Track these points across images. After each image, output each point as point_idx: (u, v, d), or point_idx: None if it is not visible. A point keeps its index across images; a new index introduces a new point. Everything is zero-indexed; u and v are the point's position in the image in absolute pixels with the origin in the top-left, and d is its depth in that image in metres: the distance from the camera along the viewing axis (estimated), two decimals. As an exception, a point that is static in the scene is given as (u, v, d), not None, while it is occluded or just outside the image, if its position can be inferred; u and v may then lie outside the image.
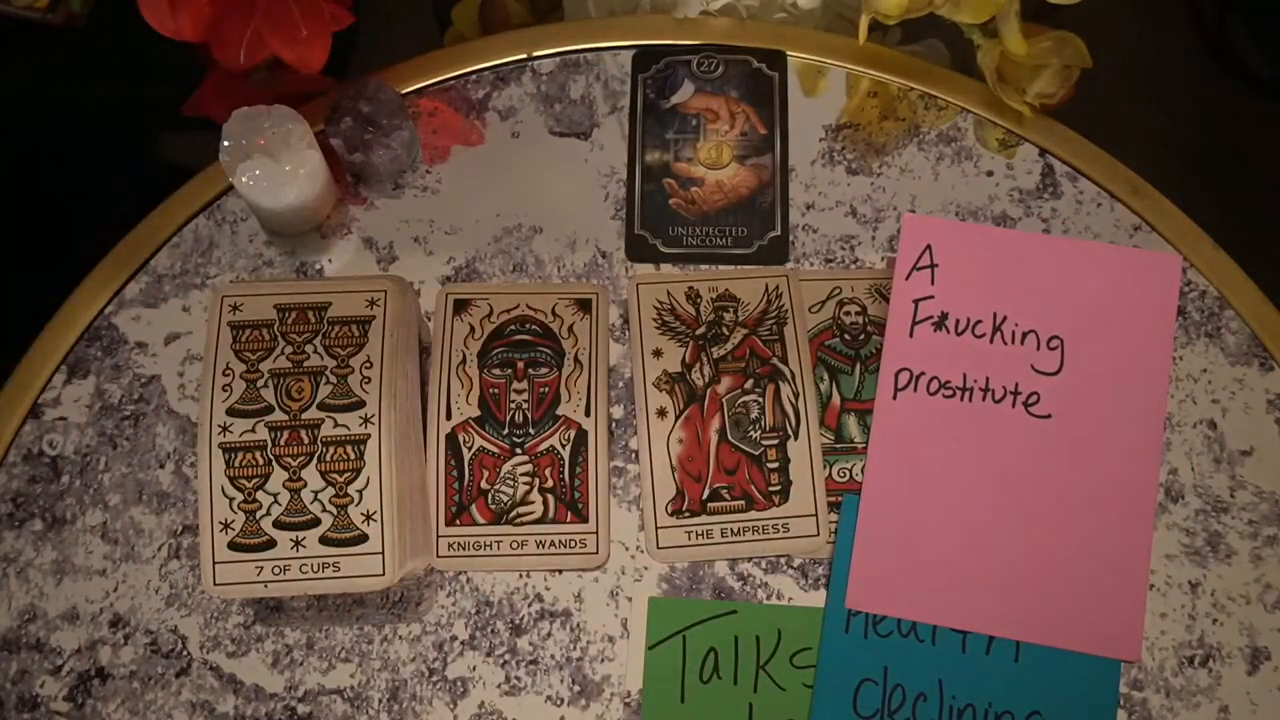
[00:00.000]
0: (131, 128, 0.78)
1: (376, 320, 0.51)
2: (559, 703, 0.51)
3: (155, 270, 0.57)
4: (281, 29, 0.57)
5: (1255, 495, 0.54)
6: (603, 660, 0.52)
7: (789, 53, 0.60)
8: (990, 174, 0.58)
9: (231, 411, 0.50)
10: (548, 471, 0.53)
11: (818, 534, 0.53)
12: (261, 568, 0.49)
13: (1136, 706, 0.51)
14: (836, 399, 0.55)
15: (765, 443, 0.54)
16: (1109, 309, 0.55)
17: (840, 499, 0.53)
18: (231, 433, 0.50)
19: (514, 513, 0.53)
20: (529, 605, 0.53)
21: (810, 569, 0.53)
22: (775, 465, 0.53)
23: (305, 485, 0.49)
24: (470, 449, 0.53)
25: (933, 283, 0.55)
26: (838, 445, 0.54)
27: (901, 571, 0.52)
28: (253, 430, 0.50)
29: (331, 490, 0.49)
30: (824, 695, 0.51)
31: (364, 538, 0.49)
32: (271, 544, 0.49)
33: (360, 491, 0.49)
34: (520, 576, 0.53)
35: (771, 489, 0.53)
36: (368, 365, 0.50)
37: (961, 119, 0.59)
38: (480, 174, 0.58)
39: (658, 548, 0.53)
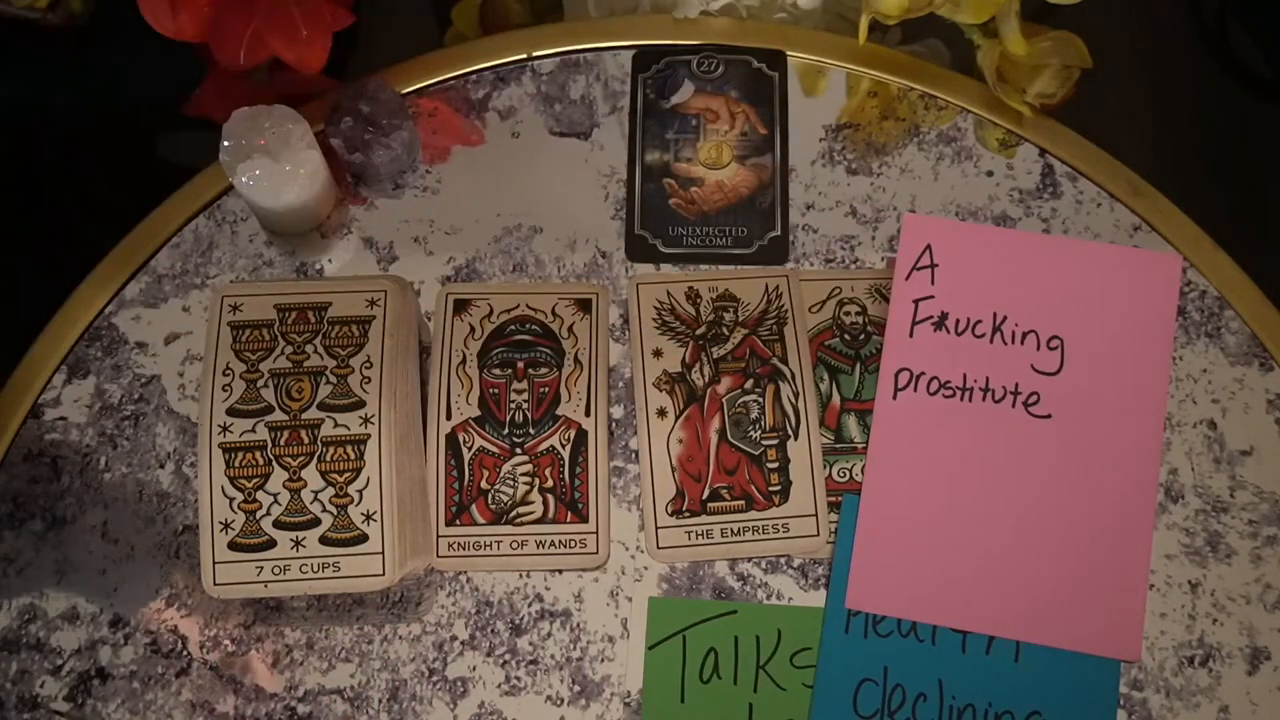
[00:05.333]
0: (131, 128, 0.78)
1: (376, 320, 0.51)
2: (559, 703, 0.51)
3: (155, 270, 0.57)
4: (281, 29, 0.57)
5: (1255, 495, 0.54)
6: (603, 660, 0.52)
7: (789, 53, 0.60)
8: (990, 174, 0.58)
9: (231, 411, 0.50)
10: (548, 471, 0.53)
11: (818, 534, 0.53)
12: (261, 568, 0.49)
13: (1136, 706, 0.51)
14: (836, 399, 0.55)
15: (765, 443, 0.54)
16: (1109, 309, 0.55)
17: (840, 499, 0.53)
18: (231, 433, 0.50)
19: (514, 513, 0.53)
20: (529, 605, 0.53)
21: (810, 569, 0.53)
22: (775, 465, 0.53)
23: (305, 485, 0.49)
24: (470, 449, 0.53)
25: (933, 283, 0.55)
26: (838, 445, 0.54)
27: (901, 571, 0.52)
28: (253, 430, 0.50)
29: (331, 490, 0.49)
30: (824, 695, 0.51)
31: (364, 538, 0.49)
32: (271, 544, 0.49)
33: (360, 491, 0.49)
34: (520, 576, 0.53)
35: (771, 489, 0.53)
36: (368, 365, 0.50)
37: (961, 119, 0.59)
38: (480, 174, 0.58)
39: (658, 548, 0.53)
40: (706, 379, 0.54)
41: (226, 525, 0.49)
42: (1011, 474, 0.53)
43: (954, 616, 0.52)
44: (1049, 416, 0.54)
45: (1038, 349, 0.54)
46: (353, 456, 0.50)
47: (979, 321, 0.55)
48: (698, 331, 0.55)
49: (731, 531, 0.53)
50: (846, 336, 0.56)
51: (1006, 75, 0.59)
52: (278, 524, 0.49)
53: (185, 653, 0.52)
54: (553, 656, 0.52)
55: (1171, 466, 0.54)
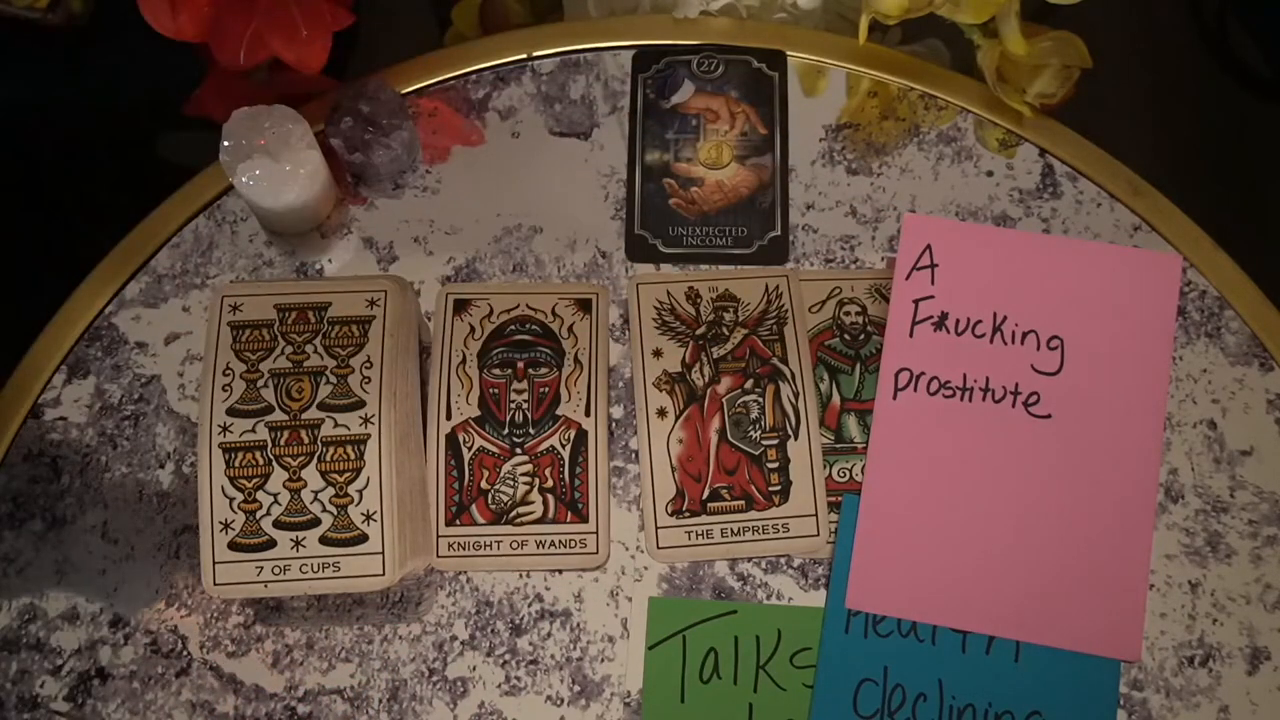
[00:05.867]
0: (131, 128, 0.78)
1: (376, 320, 0.51)
2: (559, 703, 0.51)
3: (155, 270, 0.57)
4: (281, 29, 0.57)
5: (1255, 495, 0.54)
6: (603, 660, 0.52)
7: (789, 53, 0.60)
8: (990, 174, 0.58)
9: (231, 411, 0.50)
10: (548, 471, 0.53)
11: (818, 534, 0.53)
12: (261, 568, 0.49)
13: (1136, 706, 0.51)
14: (836, 399, 0.55)
15: (765, 443, 0.54)
16: (1109, 309, 0.55)
17: (840, 499, 0.53)
18: (231, 433, 0.50)
19: (514, 513, 0.53)
20: (529, 605, 0.53)
21: (810, 569, 0.53)
22: (775, 465, 0.53)
23: (305, 485, 0.49)
24: (470, 449, 0.53)
25: (933, 283, 0.55)
26: (838, 445, 0.54)
27: (901, 571, 0.52)
28: (253, 430, 0.50)
29: (331, 490, 0.49)
30: (824, 695, 0.51)
31: (364, 538, 0.49)
32: (271, 544, 0.49)
33: (360, 491, 0.49)
34: (520, 576, 0.53)
35: (771, 489, 0.53)
36: (368, 365, 0.50)
37: (961, 119, 0.59)
38: (480, 174, 0.58)
39: (658, 548, 0.53)
40: (706, 379, 0.54)
41: (226, 525, 0.49)
42: (1011, 474, 0.53)
43: (954, 616, 0.52)
44: (1049, 416, 0.54)
45: (1038, 349, 0.54)
46: (353, 456, 0.50)
47: (979, 321, 0.55)
48: (698, 331, 0.55)
49: (731, 531, 0.53)
50: (846, 336, 0.56)
51: (1006, 75, 0.59)
52: (278, 524, 0.49)
53: (185, 653, 0.52)
54: (553, 656, 0.52)
55: (1171, 466, 0.54)
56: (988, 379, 0.54)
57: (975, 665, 0.51)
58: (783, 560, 0.53)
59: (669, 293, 0.56)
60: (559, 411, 0.54)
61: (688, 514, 0.53)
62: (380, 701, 0.51)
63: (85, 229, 0.74)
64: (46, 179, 0.77)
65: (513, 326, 0.55)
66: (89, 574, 0.53)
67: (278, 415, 0.50)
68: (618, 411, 0.55)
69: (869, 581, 0.52)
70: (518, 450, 0.53)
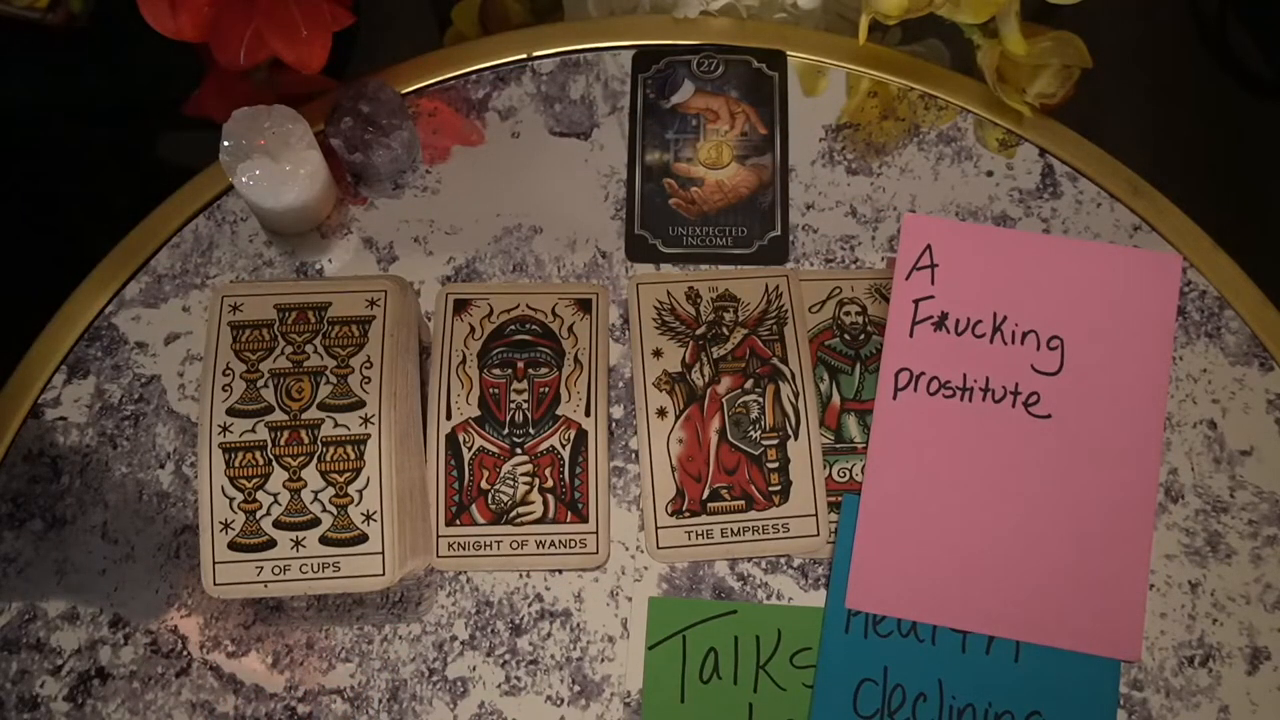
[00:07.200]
0: (131, 128, 0.78)
1: (376, 320, 0.51)
2: (559, 703, 0.51)
3: (155, 270, 0.57)
4: (281, 29, 0.57)
5: (1255, 495, 0.54)
6: (603, 660, 0.52)
7: (789, 53, 0.60)
8: (990, 174, 0.58)
9: (231, 411, 0.50)
10: (548, 471, 0.53)
11: (818, 534, 0.53)
12: (261, 568, 0.49)
13: (1136, 706, 0.51)
14: (836, 399, 0.55)
15: (765, 443, 0.54)
16: (1109, 309, 0.55)
17: (840, 499, 0.53)
18: (231, 433, 0.50)
19: (514, 513, 0.53)
20: (529, 605, 0.53)
21: (810, 569, 0.53)
22: (775, 465, 0.53)
23: (305, 485, 0.49)
24: (470, 449, 0.53)
25: (933, 283, 0.55)
26: (838, 445, 0.54)
27: (901, 571, 0.52)
28: (253, 430, 0.50)
29: (331, 490, 0.49)
30: (824, 695, 0.51)
31: (364, 538, 0.49)
32: (271, 544, 0.49)
33: (360, 491, 0.49)
34: (520, 576, 0.53)
35: (771, 489, 0.53)
36: (368, 365, 0.50)
37: (961, 119, 0.59)
38: (480, 174, 0.58)
39: (658, 548, 0.53)
40: (706, 379, 0.54)
41: (226, 525, 0.49)
42: (1011, 474, 0.53)
43: (954, 616, 0.52)
44: (1049, 416, 0.54)
45: (1038, 349, 0.54)
46: (353, 456, 0.50)
47: (979, 321, 0.55)
48: (698, 331, 0.55)
49: (731, 531, 0.53)
50: (846, 336, 0.56)
51: (1006, 75, 0.59)
52: (278, 524, 0.49)
53: (185, 653, 0.52)
54: (553, 656, 0.52)
55: (1171, 466, 0.54)
56: (988, 379, 0.54)
57: (975, 665, 0.51)
58: (783, 560, 0.53)
59: (669, 293, 0.56)
60: (559, 411, 0.54)
61: (688, 514, 0.53)
62: (380, 701, 0.51)
63: (85, 229, 0.74)
64: (47, 179, 0.77)
65: (513, 326, 0.55)
66: (89, 574, 0.53)
67: (278, 415, 0.50)
68: (618, 411, 0.55)
69: (869, 581, 0.52)
70: (518, 450, 0.53)
